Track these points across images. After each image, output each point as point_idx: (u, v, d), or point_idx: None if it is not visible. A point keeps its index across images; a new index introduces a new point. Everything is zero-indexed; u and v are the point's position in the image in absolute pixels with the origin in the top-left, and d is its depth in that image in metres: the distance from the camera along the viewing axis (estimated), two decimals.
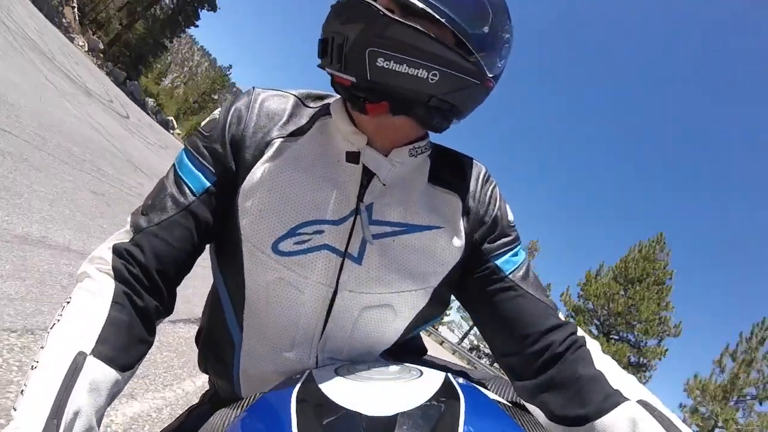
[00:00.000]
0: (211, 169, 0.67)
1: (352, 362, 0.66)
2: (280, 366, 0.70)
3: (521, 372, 0.69)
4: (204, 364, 0.82)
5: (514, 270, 0.71)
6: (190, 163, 0.68)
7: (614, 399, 0.59)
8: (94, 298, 0.58)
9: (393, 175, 0.68)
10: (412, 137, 0.70)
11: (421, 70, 0.57)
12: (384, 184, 0.68)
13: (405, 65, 0.57)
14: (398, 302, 0.69)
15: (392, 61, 0.56)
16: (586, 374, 0.62)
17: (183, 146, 0.71)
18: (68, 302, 0.59)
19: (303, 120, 0.70)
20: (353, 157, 0.67)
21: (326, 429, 0.43)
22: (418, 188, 0.70)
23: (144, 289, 0.62)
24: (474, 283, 0.73)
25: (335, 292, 0.66)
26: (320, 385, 0.51)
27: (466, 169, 0.75)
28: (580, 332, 0.69)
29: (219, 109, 0.71)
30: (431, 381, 0.52)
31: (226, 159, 0.67)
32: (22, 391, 0.49)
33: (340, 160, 0.67)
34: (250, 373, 0.73)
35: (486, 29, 0.61)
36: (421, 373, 0.54)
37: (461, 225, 0.71)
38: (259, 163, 0.67)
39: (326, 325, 0.68)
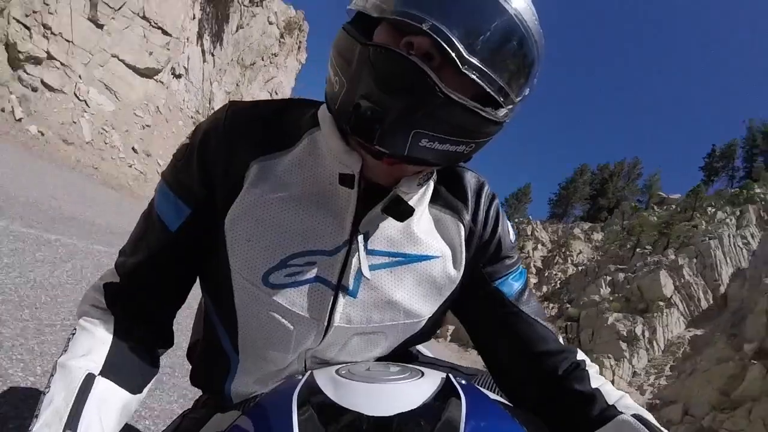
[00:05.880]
0: (186, 201, 0.63)
1: (352, 363, 0.66)
2: (271, 385, 0.71)
3: (521, 392, 0.70)
4: (197, 380, 0.81)
5: (516, 294, 0.70)
6: (165, 197, 0.64)
7: (610, 413, 0.61)
8: (97, 329, 0.61)
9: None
10: (419, 169, 0.62)
11: (461, 146, 0.53)
12: (383, 213, 0.62)
13: (447, 144, 0.52)
14: (391, 331, 0.68)
15: (436, 142, 0.51)
16: (584, 392, 0.64)
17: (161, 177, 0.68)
18: (73, 334, 0.61)
19: (287, 134, 0.64)
20: (347, 180, 0.59)
21: (328, 430, 0.44)
22: (418, 213, 0.65)
23: (140, 324, 0.64)
24: (475, 305, 0.71)
25: (328, 325, 0.64)
26: (321, 386, 0.51)
27: (468, 187, 0.71)
28: (580, 355, 0.69)
29: (193, 131, 0.66)
30: (432, 381, 0.52)
31: (200, 188, 0.63)
32: (36, 415, 0.50)
33: (333, 182, 0.61)
34: (242, 391, 0.73)
35: (527, 91, 0.57)
36: (422, 374, 0.55)
37: (461, 250, 0.68)
38: (243, 190, 0.61)
39: (316, 349, 0.68)
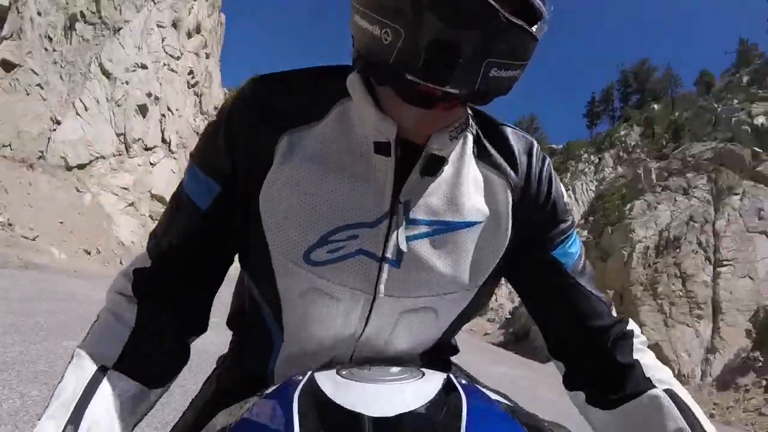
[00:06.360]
0: (215, 178, 0.61)
1: (353, 364, 0.65)
2: (316, 366, 0.66)
3: (570, 363, 0.70)
4: (238, 354, 0.79)
5: (573, 264, 0.67)
6: (194, 176, 0.63)
7: (644, 386, 0.62)
8: (117, 318, 0.60)
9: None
10: (453, 118, 0.60)
11: (518, 70, 0.52)
12: (422, 177, 0.59)
13: (510, 70, 0.51)
14: (440, 305, 0.65)
15: (502, 69, 0.49)
16: (624, 363, 0.65)
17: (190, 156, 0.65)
18: (96, 322, 0.61)
19: (315, 105, 0.60)
20: (383, 148, 0.57)
21: (328, 430, 0.44)
22: (461, 173, 0.62)
23: (167, 314, 0.62)
24: (530, 273, 0.69)
25: (374, 298, 0.62)
26: (322, 387, 0.51)
27: (514, 145, 0.66)
28: (631, 325, 0.69)
29: (219, 109, 0.63)
30: (433, 381, 0.53)
31: (229, 163, 0.61)
32: (48, 404, 0.51)
33: (368, 152, 0.58)
34: (285, 371, 0.70)
35: (552, 8, 0.54)
36: (423, 374, 0.55)
37: (508, 213, 0.64)
38: (274, 165, 0.59)
39: (365, 328, 0.64)
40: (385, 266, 0.61)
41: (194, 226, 0.63)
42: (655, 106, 44.48)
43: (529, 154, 0.67)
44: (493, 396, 0.57)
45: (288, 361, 0.70)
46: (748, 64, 40.08)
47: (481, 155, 0.65)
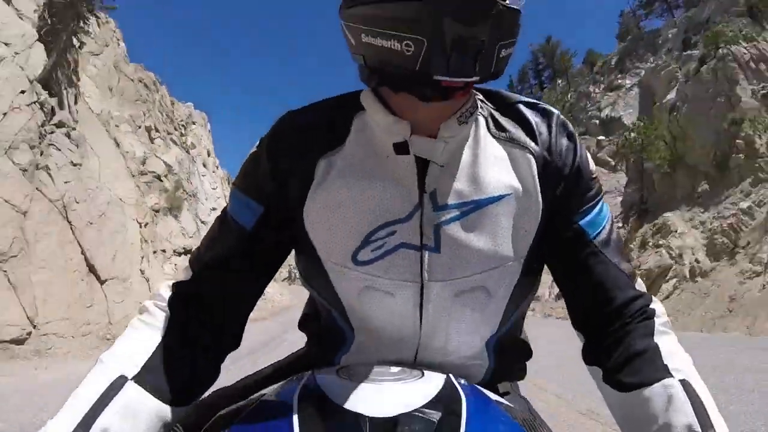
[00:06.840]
0: (258, 199, 0.67)
1: (353, 364, 0.66)
2: (385, 359, 0.70)
3: (589, 334, 0.70)
4: (311, 351, 0.84)
5: (598, 233, 0.68)
6: (238, 200, 0.68)
7: (659, 374, 0.60)
8: (147, 329, 0.61)
9: (448, 153, 0.64)
10: (459, 105, 0.65)
11: (513, 47, 0.58)
12: (442, 166, 0.63)
13: (510, 48, 0.57)
14: (488, 282, 0.66)
15: (507, 48, 0.57)
16: (643, 346, 0.63)
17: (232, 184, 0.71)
18: (125, 330, 0.62)
19: (339, 127, 0.68)
20: (402, 147, 0.63)
21: (328, 430, 0.45)
22: (479, 153, 0.66)
23: (202, 326, 0.64)
24: (556, 243, 0.69)
25: (422, 286, 0.65)
26: (321, 387, 0.52)
27: (530, 118, 0.69)
28: (654, 304, 0.68)
29: (258, 142, 0.70)
30: (433, 382, 0.53)
31: (273, 191, 0.67)
32: (62, 406, 0.52)
33: (390, 154, 0.64)
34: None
35: None
36: (422, 374, 0.56)
37: (536, 182, 0.66)
38: (312, 188, 0.66)
39: (422, 318, 0.67)
40: (426, 253, 0.64)
41: (239, 244, 0.67)
42: (560, 82, 51.29)
43: (549, 125, 0.68)
44: (493, 396, 0.58)
45: (356, 356, 0.74)
46: (625, 39, 44.41)
47: (498, 133, 0.67)
